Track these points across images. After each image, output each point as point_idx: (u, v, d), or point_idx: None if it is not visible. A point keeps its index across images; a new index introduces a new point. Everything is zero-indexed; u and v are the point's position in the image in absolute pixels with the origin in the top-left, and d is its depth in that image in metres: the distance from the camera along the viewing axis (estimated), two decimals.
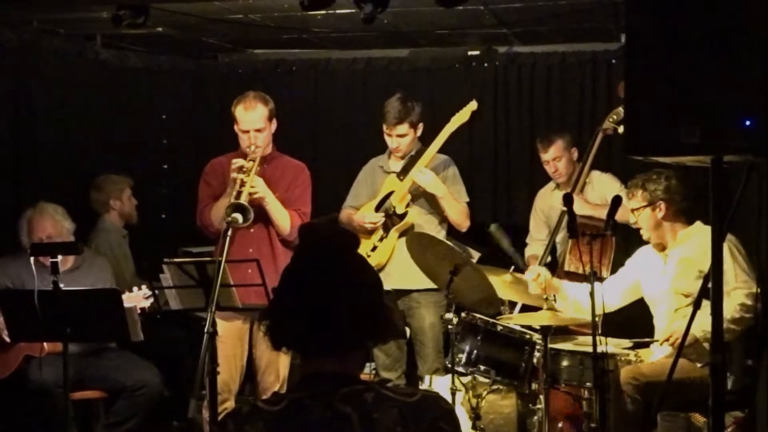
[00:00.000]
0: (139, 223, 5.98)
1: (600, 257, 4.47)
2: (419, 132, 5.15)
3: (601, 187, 5.28)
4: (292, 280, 1.92)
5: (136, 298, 4.69)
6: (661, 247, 4.52)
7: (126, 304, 4.54)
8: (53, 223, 4.88)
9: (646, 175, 4.46)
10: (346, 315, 1.86)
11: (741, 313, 4.09)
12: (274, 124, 4.68)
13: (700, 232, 4.38)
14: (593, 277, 3.77)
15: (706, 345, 4.11)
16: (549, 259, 5.26)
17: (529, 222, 5.75)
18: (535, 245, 5.54)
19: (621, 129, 5.03)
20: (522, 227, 5.80)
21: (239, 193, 4.34)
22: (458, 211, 5.12)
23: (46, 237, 4.81)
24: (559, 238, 5.30)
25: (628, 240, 5.10)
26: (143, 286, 4.75)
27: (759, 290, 4.11)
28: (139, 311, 4.71)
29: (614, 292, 4.57)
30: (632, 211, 4.50)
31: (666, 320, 4.47)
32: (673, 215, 4.43)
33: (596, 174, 5.35)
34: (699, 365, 4.23)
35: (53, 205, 4.97)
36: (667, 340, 4.29)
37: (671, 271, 4.44)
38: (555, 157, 5.36)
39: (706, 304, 3.18)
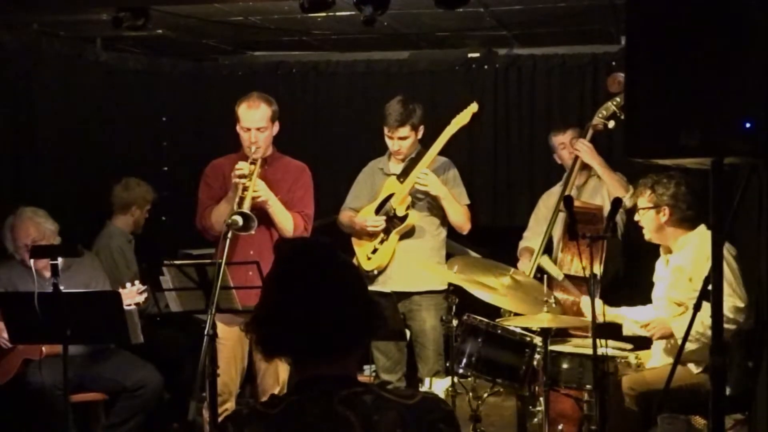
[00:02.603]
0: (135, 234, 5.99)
1: (593, 257, 4.47)
2: (420, 134, 5.15)
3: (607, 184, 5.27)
4: (276, 290, 1.92)
5: (130, 294, 4.69)
6: (667, 250, 4.54)
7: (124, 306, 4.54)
8: (35, 226, 4.86)
9: (658, 176, 4.47)
10: (336, 317, 1.86)
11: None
12: (276, 126, 4.67)
13: (697, 239, 4.38)
14: (593, 279, 3.77)
15: (688, 346, 4.12)
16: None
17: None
18: (534, 238, 5.49)
19: (611, 124, 5.04)
20: (522, 229, 5.79)
21: (242, 200, 4.34)
22: (460, 213, 5.12)
23: (30, 241, 4.78)
24: (555, 235, 5.30)
25: (631, 242, 5.13)
26: (136, 282, 4.75)
27: (757, 295, 4.12)
28: (134, 306, 4.71)
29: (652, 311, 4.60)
30: (638, 210, 4.52)
31: None
32: (676, 221, 4.44)
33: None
34: (696, 371, 4.24)
35: (32, 208, 4.95)
36: (647, 326, 4.36)
37: (667, 279, 4.47)
38: (572, 137, 5.37)
39: (705, 307, 3.19)
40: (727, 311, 4.06)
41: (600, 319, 4.49)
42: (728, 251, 4.20)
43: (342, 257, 1.97)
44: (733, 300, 4.14)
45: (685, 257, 4.38)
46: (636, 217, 4.58)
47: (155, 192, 5.98)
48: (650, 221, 4.48)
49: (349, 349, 1.91)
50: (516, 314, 4.57)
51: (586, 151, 5.15)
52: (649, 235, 4.53)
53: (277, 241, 2.10)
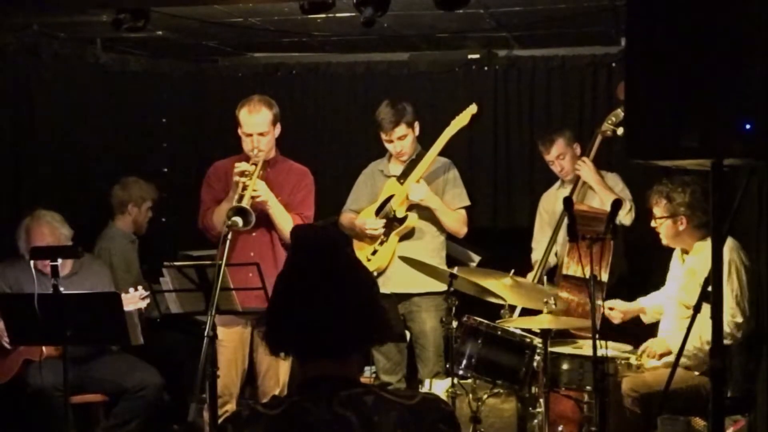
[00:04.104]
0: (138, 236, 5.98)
1: (599, 260, 4.48)
2: (417, 131, 5.16)
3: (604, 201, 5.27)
4: (288, 284, 1.92)
5: (132, 299, 4.69)
6: (685, 250, 4.54)
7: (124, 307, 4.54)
8: (51, 230, 4.87)
9: (673, 184, 4.46)
10: (343, 316, 1.87)
11: None
12: (278, 129, 4.67)
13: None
14: (593, 281, 3.77)
15: (686, 361, 4.14)
16: (554, 260, 5.26)
17: (529, 224, 5.74)
18: (541, 249, 5.52)
19: (620, 131, 5.04)
20: (522, 231, 5.80)
21: (241, 197, 4.34)
22: (454, 220, 5.13)
23: (44, 245, 4.79)
24: (560, 240, 5.30)
25: (634, 243, 5.13)
26: (139, 287, 4.75)
27: (757, 296, 4.12)
28: (137, 312, 4.72)
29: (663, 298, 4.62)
30: (654, 218, 4.54)
31: (670, 325, 4.49)
32: (693, 228, 4.44)
33: (602, 173, 5.37)
34: (696, 373, 4.24)
35: (51, 212, 4.96)
36: (644, 351, 4.45)
37: (680, 279, 4.47)
38: (558, 154, 5.38)
39: (705, 309, 3.19)
40: (726, 325, 4.07)
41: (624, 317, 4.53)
42: (742, 261, 4.20)
43: (354, 256, 1.97)
44: (733, 313, 4.13)
45: (699, 261, 4.37)
46: (652, 224, 4.58)
47: (156, 190, 5.96)
48: (667, 229, 4.48)
49: (352, 350, 1.91)
50: (524, 310, 4.58)
51: (586, 170, 5.16)
52: (666, 241, 4.55)
53: (294, 226, 2.09)
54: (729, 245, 4.04)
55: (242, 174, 4.41)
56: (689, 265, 4.44)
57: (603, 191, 5.13)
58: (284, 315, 1.90)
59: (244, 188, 4.37)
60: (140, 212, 5.85)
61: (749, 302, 4.19)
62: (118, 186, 5.82)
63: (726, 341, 4.06)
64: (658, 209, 4.50)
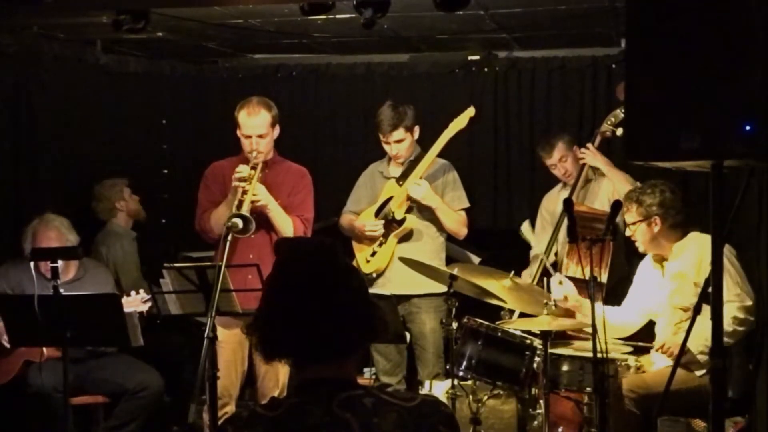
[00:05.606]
0: (141, 226, 5.98)
1: (599, 261, 4.47)
2: (416, 135, 5.15)
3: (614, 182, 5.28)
4: (276, 293, 1.92)
5: (134, 302, 4.70)
6: (660, 258, 4.52)
7: (125, 309, 4.54)
8: (58, 235, 4.88)
9: (641, 188, 4.48)
10: (337, 320, 1.87)
11: (734, 326, 4.08)
12: (276, 130, 4.67)
13: (694, 244, 4.38)
14: (593, 281, 3.77)
15: (701, 357, 4.13)
16: (554, 259, 5.26)
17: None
18: (541, 247, 5.52)
19: (619, 131, 5.05)
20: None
21: (240, 203, 4.33)
22: (454, 221, 5.13)
23: None
24: (560, 240, 5.31)
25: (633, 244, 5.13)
26: (141, 290, 4.75)
27: (756, 297, 4.12)
28: (137, 314, 4.72)
29: (633, 311, 4.59)
30: (628, 225, 4.52)
31: (667, 332, 4.47)
32: (667, 229, 4.43)
33: None
34: (698, 374, 4.23)
35: (59, 217, 4.96)
36: (661, 347, 4.35)
37: (668, 286, 4.45)
38: (560, 157, 5.39)
39: (706, 309, 3.18)
40: (738, 312, 4.08)
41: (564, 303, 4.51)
42: (728, 252, 4.19)
43: (342, 258, 1.97)
44: (741, 299, 4.13)
45: (685, 263, 4.37)
46: (627, 233, 4.57)
47: (120, 176, 5.93)
48: (643, 234, 4.46)
49: (348, 352, 1.91)
50: (523, 314, 4.57)
51: (590, 155, 5.18)
52: (643, 247, 4.52)
53: (277, 240, 2.10)
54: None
55: (242, 179, 4.40)
56: (675, 269, 4.42)
57: (612, 171, 5.13)
58: (275, 324, 1.89)
59: (244, 193, 4.36)
60: (127, 201, 5.86)
61: (750, 286, 4.18)
62: (95, 200, 5.83)
63: (741, 328, 4.08)
64: (630, 215, 4.47)
